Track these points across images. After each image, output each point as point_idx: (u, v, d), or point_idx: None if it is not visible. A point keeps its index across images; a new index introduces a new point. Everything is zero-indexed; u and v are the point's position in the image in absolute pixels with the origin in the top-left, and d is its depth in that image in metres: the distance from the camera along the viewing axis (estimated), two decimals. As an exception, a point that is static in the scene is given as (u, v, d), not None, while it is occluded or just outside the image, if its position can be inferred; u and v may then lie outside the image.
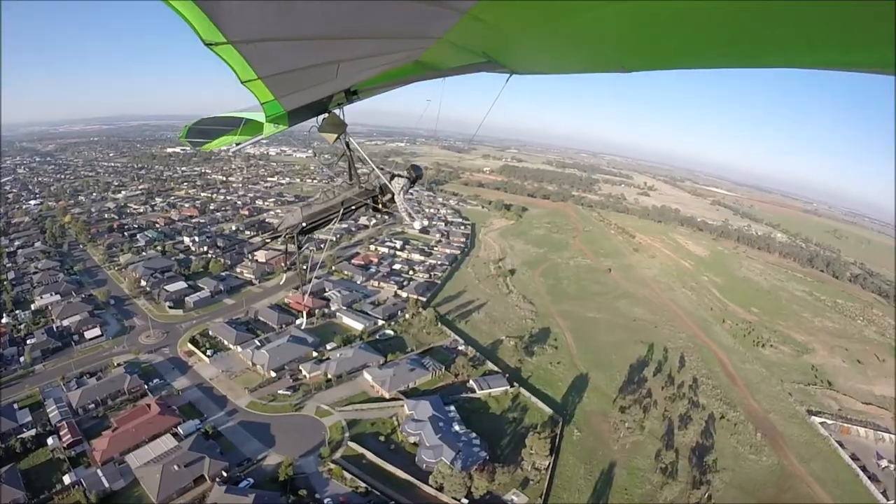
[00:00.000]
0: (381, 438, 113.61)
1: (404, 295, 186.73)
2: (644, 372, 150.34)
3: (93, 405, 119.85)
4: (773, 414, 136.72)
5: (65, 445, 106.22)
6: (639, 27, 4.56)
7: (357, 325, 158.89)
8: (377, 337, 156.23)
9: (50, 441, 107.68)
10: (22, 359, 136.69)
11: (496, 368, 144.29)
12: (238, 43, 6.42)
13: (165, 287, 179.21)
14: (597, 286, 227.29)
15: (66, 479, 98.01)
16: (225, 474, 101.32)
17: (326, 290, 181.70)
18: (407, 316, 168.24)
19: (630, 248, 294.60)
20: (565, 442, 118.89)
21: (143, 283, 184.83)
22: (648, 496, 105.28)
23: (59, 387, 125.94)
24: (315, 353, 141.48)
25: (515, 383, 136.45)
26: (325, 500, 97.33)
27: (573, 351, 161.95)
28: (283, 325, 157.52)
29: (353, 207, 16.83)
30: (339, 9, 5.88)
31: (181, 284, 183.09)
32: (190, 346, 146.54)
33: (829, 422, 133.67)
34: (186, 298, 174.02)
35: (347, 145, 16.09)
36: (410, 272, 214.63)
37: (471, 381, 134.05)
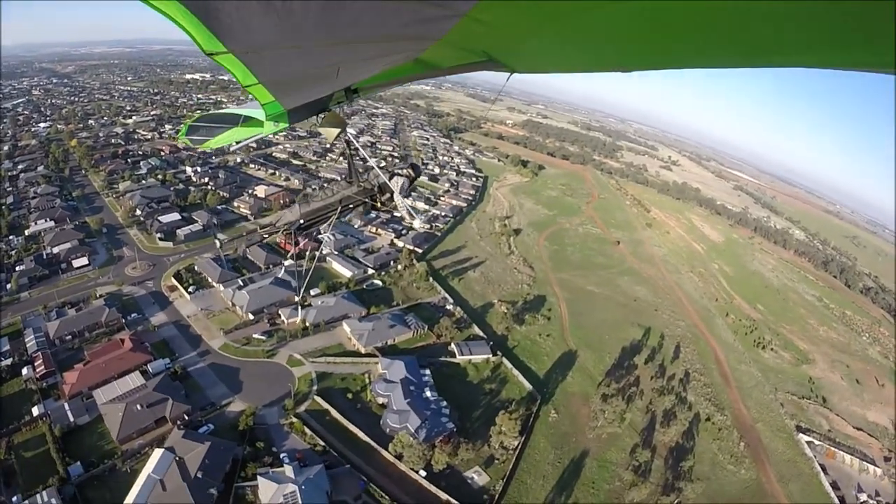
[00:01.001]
0: (349, 396, 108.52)
1: (400, 244, 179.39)
2: (635, 358, 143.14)
3: (70, 336, 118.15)
4: (760, 424, 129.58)
5: (38, 376, 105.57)
6: (638, 28, 4.46)
7: (346, 272, 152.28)
8: (364, 286, 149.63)
9: (25, 371, 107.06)
10: (9, 286, 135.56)
11: (481, 334, 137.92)
12: (238, 52, 6.51)
13: (159, 218, 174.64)
14: (602, 258, 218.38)
15: (35, 411, 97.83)
16: (187, 417, 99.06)
17: (320, 231, 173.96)
18: (399, 267, 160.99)
19: (643, 223, 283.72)
20: (540, 422, 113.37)
21: (137, 212, 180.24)
22: (615, 494, 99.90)
23: (41, 316, 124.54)
24: (297, 298, 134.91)
25: (499, 352, 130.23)
26: (282, 455, 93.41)
27: (566, 324, 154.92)
28: (270, 266, 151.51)
29: (352, 206, 16.55)
30: (339, 15, 5.84)
31: (175, 216, 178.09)
32: (174, 280, 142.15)
33: (816, 442, 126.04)
34: (178, 231, 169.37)
35: (348, 143, 15.77)
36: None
37: (452, 345, 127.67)
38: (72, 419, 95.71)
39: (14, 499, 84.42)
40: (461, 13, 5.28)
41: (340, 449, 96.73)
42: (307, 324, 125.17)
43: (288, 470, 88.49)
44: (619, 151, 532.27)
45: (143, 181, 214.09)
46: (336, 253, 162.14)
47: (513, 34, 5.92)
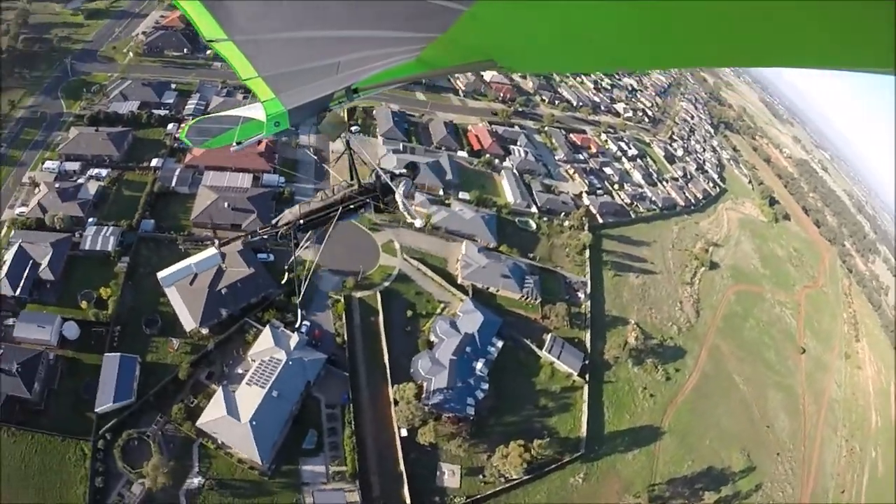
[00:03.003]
0: (409, 314, 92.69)
1: (585, 202, 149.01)
2: (709, 492, 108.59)
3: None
4: None
5: (175, 136, 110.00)
6: (640, 27, 4.27)
7: (508, 195, 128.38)
8: (516, 220, 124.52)
9: (170, 126, 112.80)
10: (208, 51, 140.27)
11: (588, 345, 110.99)
12: (239, 40, 6.42)
13: None
14: (773, 355, 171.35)
15: (154, 162, 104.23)
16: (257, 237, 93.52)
17: (517, 142, 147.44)
18: (565, 223, 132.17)
19: (843, 348, 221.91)
20: (558, 476, 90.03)
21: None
22: None
23: (215, 87, 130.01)
24: (441, 192, 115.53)
25: (588, 377, 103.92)
26: (304, 323, 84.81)
27: (678, 399, 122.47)
28: (442, 147, 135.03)
29: (352, 207, 15.52)
30: (338, 7, 5.77)
31: None
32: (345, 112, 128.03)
33: None
34: None
35: (348, 144, 15.23)
36: (615, 186, 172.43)
37: (548, 336, 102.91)
38: (174, 184, 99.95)
39: (90, 220, 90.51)
40: (463, 9, 5.07)
41: (356, 355, 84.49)
42: (431, 222, 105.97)
43: (294, 339, 79.20)
44: (874, 255, 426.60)
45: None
46: (515, 171, 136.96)
47: (513, 33, 5.35)
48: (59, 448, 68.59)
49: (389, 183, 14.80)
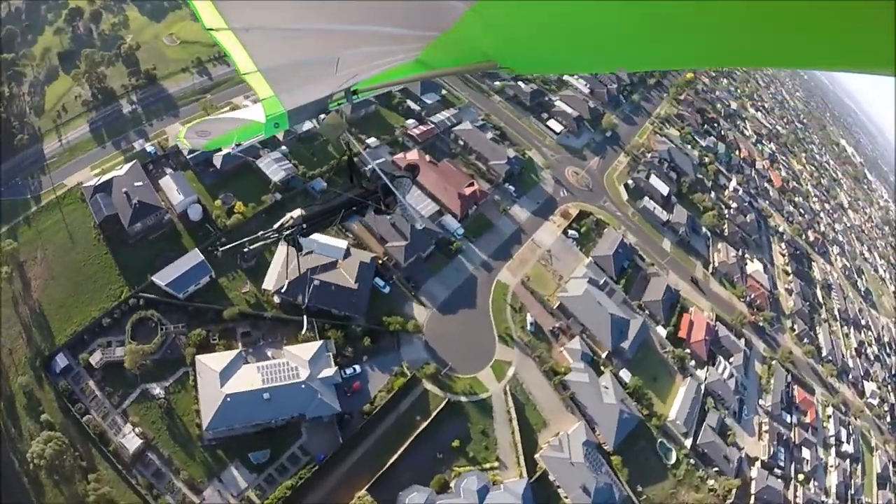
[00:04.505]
0: (454, 444, 77.57)
1: (751, 474, 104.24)
2: None
3: (462, 145, 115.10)
4: None
5: (406, 131, 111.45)
6: (641, 27, 4.15)
7: (674, 409, 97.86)
8: (658, 439, 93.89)
9: (409, 122, 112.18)
10: (496, 82, 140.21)
11: None
12: (238, 28, 6.24)
13: (653, 181, 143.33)
14: None
15: (370, 140, 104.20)
16: (395, 248, 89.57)
17: (731, 358, 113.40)
18: (709, 482, 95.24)
19: None
20: None
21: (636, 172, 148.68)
22: None
23: (477, 114, 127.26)
24: (603, 355, 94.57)
25: None
26: (357, 366, 74.86)
27: None
28: (644, 310, 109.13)
29: (355, 208, 14.88)
30: (339, 2, 5.60)
31: (664, 188, 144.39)
32: (574, 213, 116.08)
33: None
34: (649, 199, 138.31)
35: (348, 146, 14.02)
36: (799, 476, 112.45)
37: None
38: (370, 165, 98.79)
39: (282, 147, 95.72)
40: (462, 9, 4.96)
41: (368, 435, 70.40)
42: (563, 379, 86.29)
43: (329, 371, 70.15)
44: None
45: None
46: (703, 386, 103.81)
47: (513, 33, 5.29)
48: (110, 276, 76.21)
49: (390, 184, 13.98)
